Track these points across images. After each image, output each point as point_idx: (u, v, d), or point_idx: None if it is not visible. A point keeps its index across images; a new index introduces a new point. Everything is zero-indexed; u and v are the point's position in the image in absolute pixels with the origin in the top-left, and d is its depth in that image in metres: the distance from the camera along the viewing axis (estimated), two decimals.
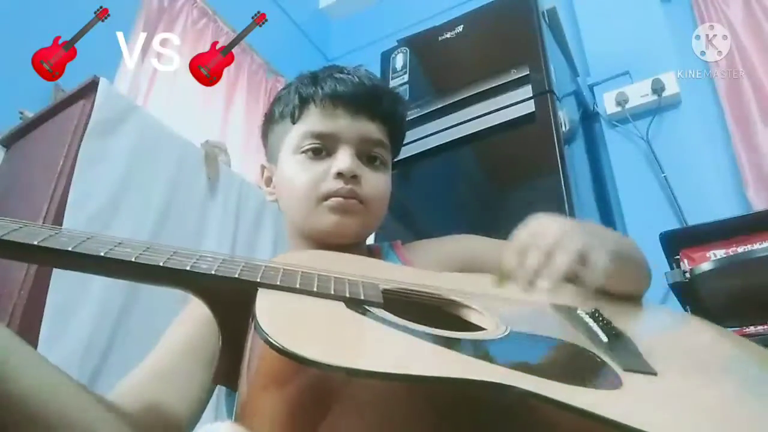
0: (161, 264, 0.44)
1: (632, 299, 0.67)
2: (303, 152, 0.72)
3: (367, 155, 0.73)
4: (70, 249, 0.42)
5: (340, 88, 0.72)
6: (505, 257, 0.54)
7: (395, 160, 0.83)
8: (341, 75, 0.74)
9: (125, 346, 1.28)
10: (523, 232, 0.55)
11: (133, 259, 0.43)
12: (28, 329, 1.13)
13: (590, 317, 0.55)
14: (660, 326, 0.65)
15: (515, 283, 0.53)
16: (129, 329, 1.31)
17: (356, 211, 0.70)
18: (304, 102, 0.74)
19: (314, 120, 0.72)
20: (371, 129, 0.73)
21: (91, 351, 1.22)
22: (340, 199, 0.69)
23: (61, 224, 1.24)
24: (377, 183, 0.73)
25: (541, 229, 0.54)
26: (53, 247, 0.42)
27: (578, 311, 0.57)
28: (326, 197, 0.69)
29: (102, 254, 0.43)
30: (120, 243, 0.45)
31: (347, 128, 0.72)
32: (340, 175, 0.69)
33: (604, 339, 0.49)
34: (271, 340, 0.34)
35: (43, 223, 1.24)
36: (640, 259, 0.69)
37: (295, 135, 0.73)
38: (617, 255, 0.56)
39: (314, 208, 0.70)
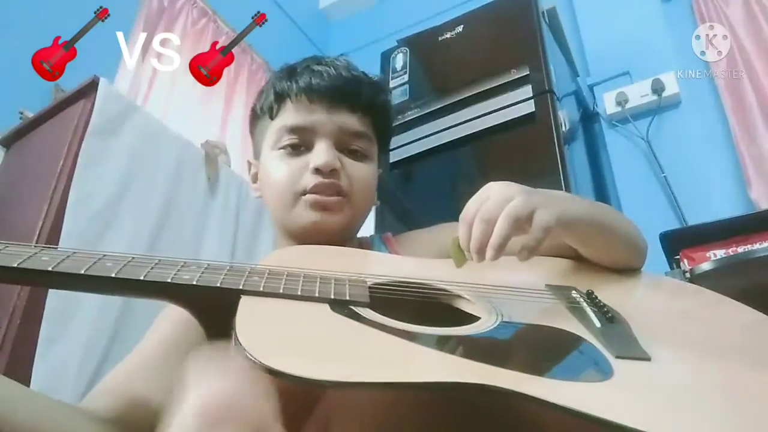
0: (142, 278, 0.43)
1: (630, 273, 0.66)
2: (281, 148, 0.71)
3: (347, 148, 0.72)
4: (49, 269, 0.42)
5: (315, 81, 0.71)
6: (459, 230, 0.54)
7: (397, 159, 0.83)
8: (318, 67, 0.73)
9: (125, 347, 1.27)
10: (470, 202, 0.54)
11: (113, 275, 0.43)
12: (28, 330, 1.12)
13: (584, 300, 0.55)
14: (658, 302, 0.63)
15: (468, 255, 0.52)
16: (129, 330, 1.31)
17: (338, 207, 0.69)
18: (279, 97, 0.73)
19: (290, 115, 0.72)
20: (350, 121, 0.72)
21: (91, 351, 1.22)
22: (317, 196, 0.68)
23: (61, 224, 1.24)
24: (359, 174, 0.72)
25: (485, 197, 0.53)
26: (32, 268, 0.42)
27: (573, 293, 0.57)
28: (304, 192, 0.69)
29: (82, 272, 0.42)
30: (102, 257, 0.45)
31: (324, 121, 0.70)
32: (317, 170, 0.68)
33: (597, 324, 0.49)
34: (249, 355, 0.35)
35: (43, 223, 1.24)
36: (616, 224, 0.65)
37: (273, 131, 0.73)
38: (570, 216, 0.56)
39: (293, 205, 0.69)
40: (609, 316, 0.50)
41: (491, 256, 0.50)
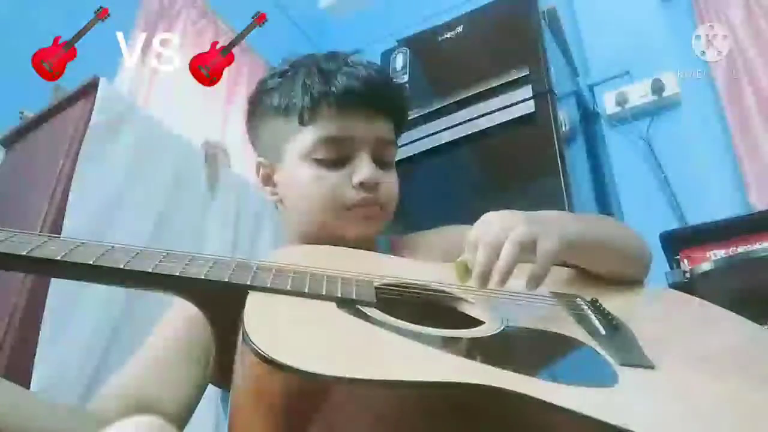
0: (150, 270, 0.43)
1: (633, 284, 0.66)
2: (317, 158, 0.67)
3: (380, 158, 0.71)
4: (58, 258, 0.42)
5: (353, 85, 0.67)
6: (464, 254, 0.56)
7: (397, 159, 0.82)
8: (348, 69, 0.69)
9: (126, 346, 1.27)
10: (473, 229, 0.56)
11: (122, 266, 0.43)
12: (28, 330, 1.13)
13: (589, 307, 0.55)
14: (663, 313, 0.63)
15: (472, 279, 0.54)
16: (129, 331, 1.31)
17: (377, 216, 0.70)
18: (315, 102, 0.67)
19: (329, 123, 0.67)
20: (385, 130, 0.71)
21: (92, 351, 1.22)
22: (365, 209, 0.68)
23: (61, 224, 1.24)
24: (392, 186, 0.72)
25: (488, 224, 0.55)
26: (41, 256, 0.42)
27: (578, 300, 0.57)
28: (347, 207, 0.67)
29: (91, 263, 0.42)
30: (111, 248, 0.45)
31: (364, 131, 0.68)
32: (362, 185, 0.67)
33: (602, 331, 0.49)
34: (258, 350, 0.35)
35: (43, 223, 1.24)
36: (616, 240, 0.67)
37: (307, 139, 0.67)
38: (571, 239, 0.57)
39: (336, 218, 0.68)
40: (613, 324, 0.51)
41: (497, 280, 0.51)
